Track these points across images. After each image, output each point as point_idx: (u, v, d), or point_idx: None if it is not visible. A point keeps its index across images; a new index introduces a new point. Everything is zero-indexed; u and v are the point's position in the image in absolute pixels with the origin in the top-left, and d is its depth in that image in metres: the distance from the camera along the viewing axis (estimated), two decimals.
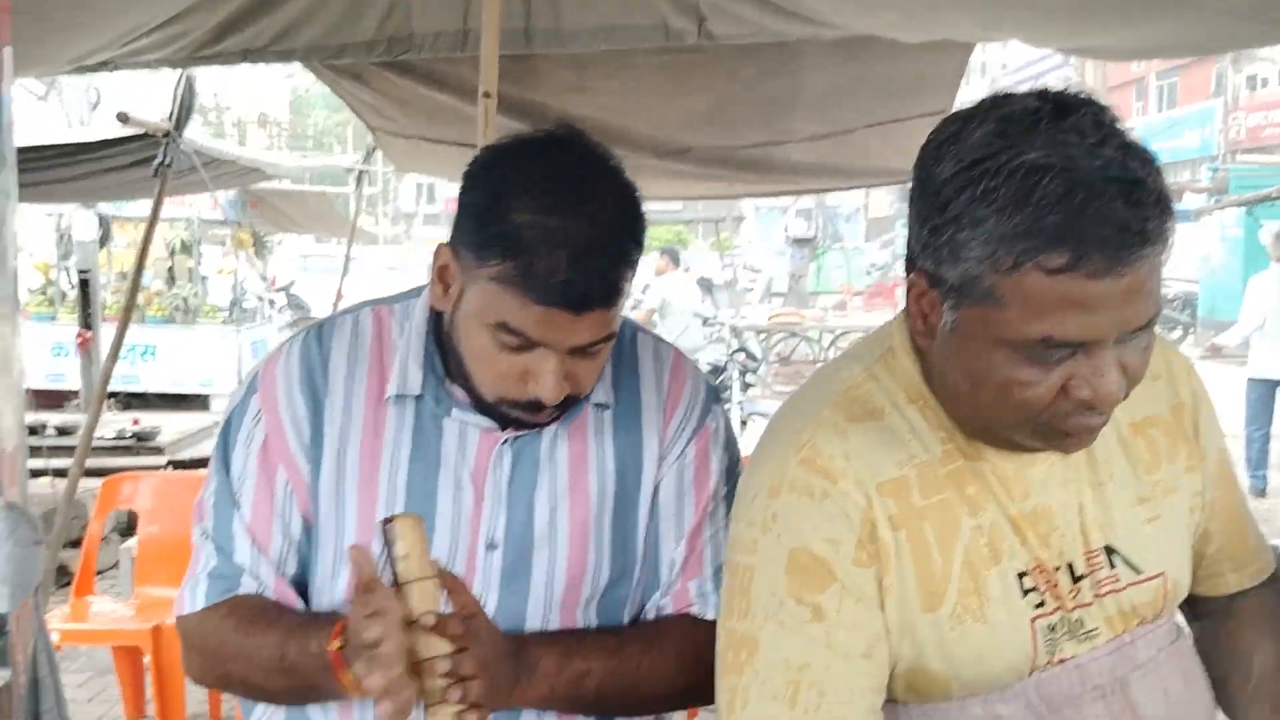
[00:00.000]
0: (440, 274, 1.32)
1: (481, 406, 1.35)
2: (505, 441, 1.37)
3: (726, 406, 1.55)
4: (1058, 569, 1.19)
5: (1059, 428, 1.09)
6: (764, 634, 1.15)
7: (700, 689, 1.29)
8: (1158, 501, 1.24)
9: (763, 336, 13.98)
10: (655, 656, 1.36)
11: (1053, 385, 1.06)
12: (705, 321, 13.97)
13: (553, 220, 1.22)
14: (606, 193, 1.28)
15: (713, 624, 1.33)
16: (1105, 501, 1.21)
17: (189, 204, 13.30)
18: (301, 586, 1.39)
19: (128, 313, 5.32)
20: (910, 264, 1.15)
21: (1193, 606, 1.37)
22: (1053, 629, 1.18)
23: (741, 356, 10.07)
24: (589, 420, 1.41)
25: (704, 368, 10.10)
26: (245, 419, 1.39)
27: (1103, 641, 1.20)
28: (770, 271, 21.50)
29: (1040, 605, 1.17)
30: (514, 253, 1.22)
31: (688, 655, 1.35)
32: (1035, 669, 1.18)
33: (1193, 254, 18.10)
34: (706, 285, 19.68)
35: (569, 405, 1.34)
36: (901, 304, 1.23)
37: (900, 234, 32.28)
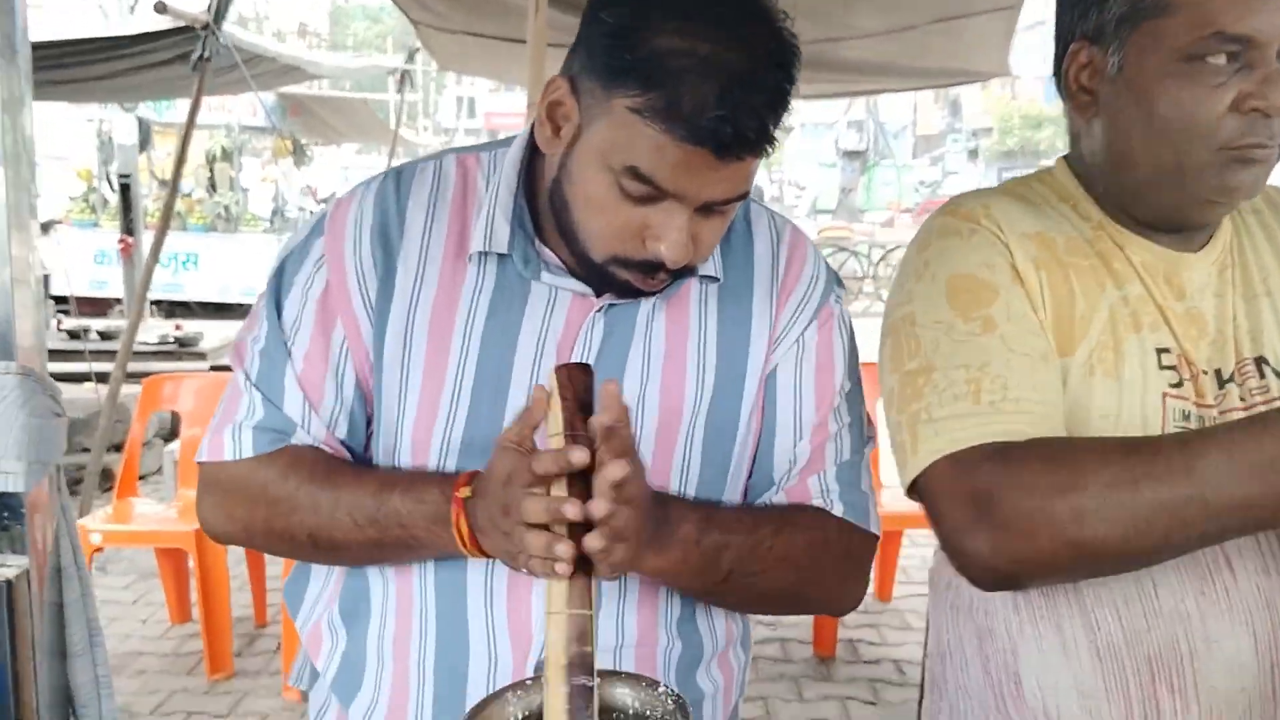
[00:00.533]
0: (551, 111, 1.15)
1: (576, 271, 1.20)
2: (599, 310, 1.22)
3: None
4: (1205, 373, 1.17)
5: (1235, 152, 1.10)
6: (938, 355, 1.13)
7: (819, 586, 1.23)
8: None
9: None
10: (786, 540, 1.21)
11: (1225, 100, 1.09)
12: None
13: (703, 47, 1.05)
14: (761, 21, 1.10)
15: (840, 520, 1.24)
16: (1258, 313, 1.20)
17: (228, 110, 13.21)
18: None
19: (168, 212, 5.23)
20: (1062, 52, 1.20)
21: None
22: (1186, 417, 1.14)
23: None
24: (692, 294, 1.25)
25: None
26: (306, 262, 1.25)
27: None
28: (815, 188, 21.11)
29: (1177, 385, 1.15)
30: (657, 82, 1.05)
31: (816, 544, 1.22)
32: None
33: None
34: (758, 196, 19.48)
35: (683, 274, 1.19)
36: None
37: (950, 149, 31.76)
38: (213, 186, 12.64)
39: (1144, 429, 1.13)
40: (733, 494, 1.28)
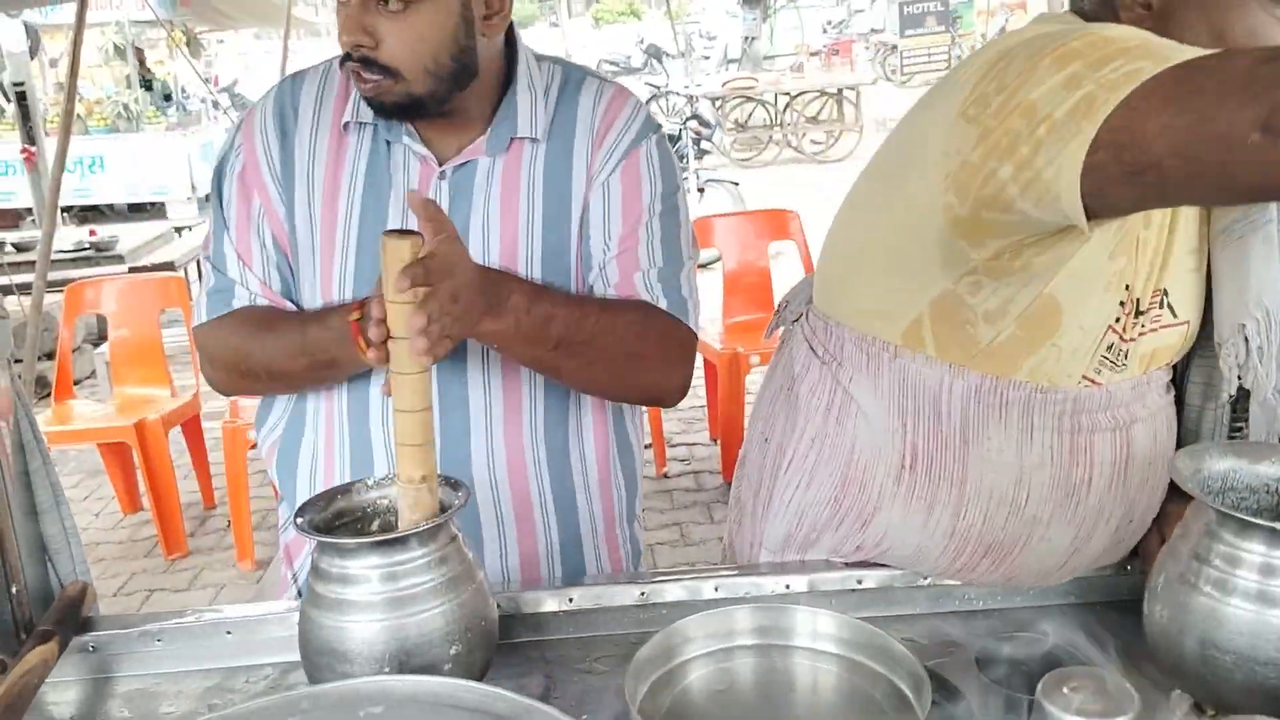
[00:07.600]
0: None
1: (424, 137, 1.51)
2: (439, 176, 1.51)
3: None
4: (1136, 300, 1.23)
5: None
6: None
7: (645, 362, 1.50)
8: (1204, 255, 1.28)
9: (718, 104, 13.81)
10: (612, 315, 1.47)
11: None
12: (656, 92, 13.76)
13: None
14: None
15: (664, 311, 1.50)
16: (1171, 245, 1.24)
17: (116, 6, 12.84)
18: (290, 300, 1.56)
19: (68, 117, 5.26)
20: None
21: None
22: (1110, 349, 1.24)
23: (694, 125, 10.01)
24: (523, 154, 1.53)
25: None
26: (230, 153, 1.57)
27: (1130, 376, 1.27)
28: (727, 37, 20.89)
29: (1117, 320, 1.22)
30: None
31: (639, 323, 1.50)
32: (1082, 379, 1.25)
33: None
34: (655, 53, 19.29)
35: (386, 73, 1.40)
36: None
37: None
38: (129, 83, 12.40)
39: (1081, 365, 1.23)
40: None
